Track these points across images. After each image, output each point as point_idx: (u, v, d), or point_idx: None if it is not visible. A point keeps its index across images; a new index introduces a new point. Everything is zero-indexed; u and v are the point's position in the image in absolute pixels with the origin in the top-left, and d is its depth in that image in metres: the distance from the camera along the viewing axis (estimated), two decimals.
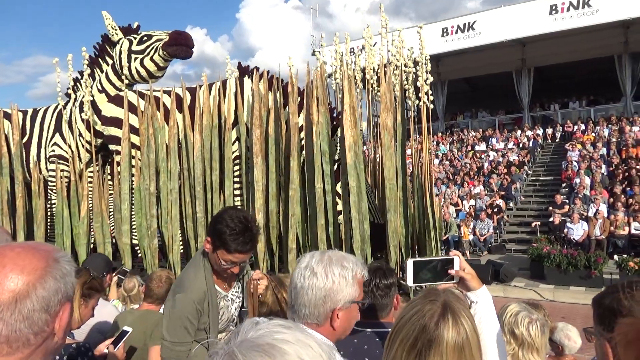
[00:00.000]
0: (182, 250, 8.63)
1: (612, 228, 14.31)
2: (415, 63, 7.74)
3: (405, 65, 7.85)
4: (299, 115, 8.00)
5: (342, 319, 1.74)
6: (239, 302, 2.93)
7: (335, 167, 7.75)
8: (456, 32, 25.61)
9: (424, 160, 7.82)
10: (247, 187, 8.26)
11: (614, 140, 21.45)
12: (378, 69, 8.54)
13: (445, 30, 25.68)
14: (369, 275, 2.18)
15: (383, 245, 7.70)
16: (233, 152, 8.33)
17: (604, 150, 20.72)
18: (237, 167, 8.31)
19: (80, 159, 9.59)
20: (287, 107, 8.16)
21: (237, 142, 8.34)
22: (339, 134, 7.86)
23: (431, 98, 7.61)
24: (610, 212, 15.13)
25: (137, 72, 9.10)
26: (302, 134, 7.97)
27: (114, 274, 4.71)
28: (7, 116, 10.08)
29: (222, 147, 8.36)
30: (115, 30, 9.42)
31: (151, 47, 9.03)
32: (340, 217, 7.64)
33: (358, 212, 7.22)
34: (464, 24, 25.39)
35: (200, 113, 8.27)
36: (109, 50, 9.57)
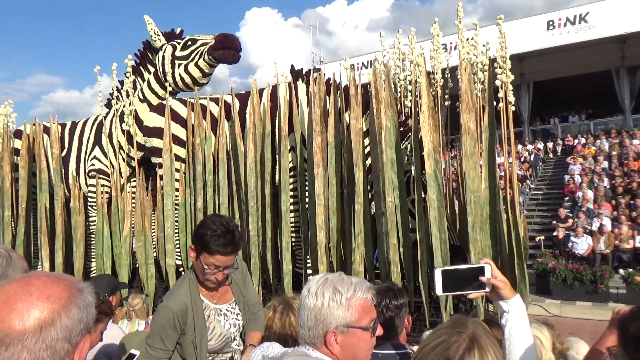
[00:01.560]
0: None
1: (616, 242, 13.07)
2: (492, 61, 5.93)
3: (482, 63, 6.03)
4: (364, 120, 6.22)
5: (342, 344, 1.55)
6: (240, 322, 2.66)
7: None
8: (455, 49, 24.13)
9: (505, 169, 5.97)
10: (302, 201, 6.48)
11: (615, 153, 19.87)
12: (446, 69, 6.73)
13: (445, 45, 24.20)
14: (379, 295, 2.11)
15: None
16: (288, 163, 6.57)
17: (605, 164, 19.18)
18: (292, 180, 6.53)
19: (121, 174, 7.88)
20: (347, 112, 6.39)
21: (291, 151, 6.57)
22: (410, 141, 6.07)
23: (512, 99, 5.79)
24: (615, 225, 13.76)
25: (181, 79, 7.37)
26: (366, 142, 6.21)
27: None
28: (47, 130, 8.42)
29: (275, 158, 6.59)
30: (158, 35, 7.71)
31: (196, 52, 7.31)
32: (411, 236, 5.85)
33: (439, 229, 5.40)
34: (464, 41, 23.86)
35: (252, 120, 6.50)
36: (151, 57, 7.88)
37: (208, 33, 7.50)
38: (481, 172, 5.43)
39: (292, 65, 6.97)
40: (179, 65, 7.33)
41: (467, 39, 6.06)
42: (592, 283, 9.05)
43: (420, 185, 5.64)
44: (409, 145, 6.00)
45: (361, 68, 26.44)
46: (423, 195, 5.74)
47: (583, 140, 23.20)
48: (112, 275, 6.39)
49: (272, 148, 6.59)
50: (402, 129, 6.03)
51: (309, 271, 6.46)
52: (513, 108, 5.79)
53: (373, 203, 6.14)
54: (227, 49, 7.02)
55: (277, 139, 6.59)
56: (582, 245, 13.15)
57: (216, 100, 7.16)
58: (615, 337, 2.00)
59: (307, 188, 6.42)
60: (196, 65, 7.26)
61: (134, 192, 7.88)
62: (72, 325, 1.04)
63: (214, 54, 7.08)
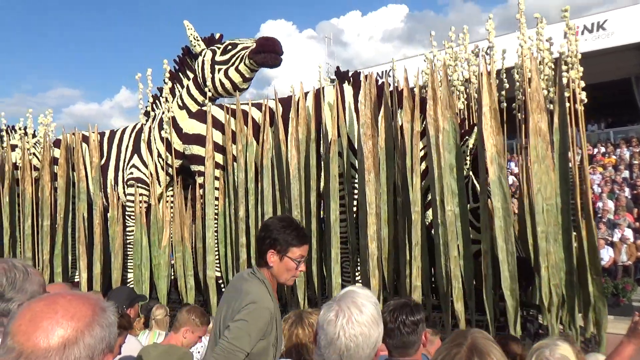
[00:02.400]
0: None
1: (639, 253, 11.77)
2: (558, 60, 5.10)
3: (546, 63, 5.21)
4: (421, 123, 5.43)
5: None
6: None
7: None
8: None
9: (575, 173, 5.11)
10: (350, 210, 5.70)
11: (636, 162, 18.59)
12: (501, 70, 5.92)
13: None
14: (396, 312, 2.01)
15: (529, 283, 5.05)
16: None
17: (626, 173, 17.87)
18: (340, 187, 5.76)
19: (159, 182, 7.21)
20: (399, 114, 5.62)
21: (338, 157, 5.81)
22: (470, 144, 5.27)
23: (583, 97, 4.95)
24: (637, 236, 12.57)
25: (221, 84, 6.69)
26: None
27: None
28: (85, 139, 7.82)
29: (321, 164, 5.84)
30: (198, 41, 7.07)
31: (236, 56, 6.63)
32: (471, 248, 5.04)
33: (506, 241, 4.57)
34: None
35: (295, 125, 5.76)
36: (190, 63, 7.23)
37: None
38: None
39: (337, 67, 6.25)
40: (219, 70, 6.66)
41: (529, 36, 5.23)
42: (614, 296, 8.06)
43: (485, 192, 4.82)
44: (467, 149, 5.20)
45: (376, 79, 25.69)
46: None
47: (603, 149, 21.93)
48: (131, 288, 5.77)
49: (316, 154, 5.84)
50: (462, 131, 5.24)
51: (358, 285, 5.66)
52: (581, 107, 4.95)
53: (428, 212, 5.33)
54: (268, 53, 6.33)
55: (321, 145, 5.85)
56: (603, 257, 12.14)
57: (257, 106, 6.46)
58: (633, 347, 2.00)
59: (355, 196, 5.65)
60: (237, 69, 6.58)
61: (172, 202, 7.23)
62: (94, 344, 1.01)
63: (255, 58, 6.39)
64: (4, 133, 8.64)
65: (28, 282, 1.60)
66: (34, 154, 8.33)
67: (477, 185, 5.21)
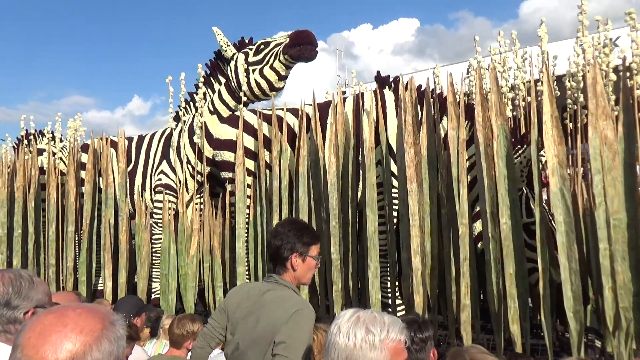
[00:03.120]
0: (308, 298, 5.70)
1: None
2: (621, 66, 4.68)
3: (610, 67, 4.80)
4: (468, 130, 5.05)
5: None
6: None
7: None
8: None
9: None
10: (390, 221, 5.31)
11: None
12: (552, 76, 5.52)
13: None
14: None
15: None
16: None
17: None
18: (378, 197, 5.37)
19: (187, 189, 6.91)
20: (442, 121, 5.25)
21: (378, 165, 5.44)
22: (526, 154, 4.87)
23: None
24: None
25: (257, 84, 6.38)
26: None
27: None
28: (113, 144, 7.57)
29: (359, 173, 5.47)
30: (229, 46, 6.80)
31: (270, 54, 6.33)
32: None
33: (569, 258, 4.14)
34: None
35: (334, 131, 5.42)
36: (222, 67, 6.95)
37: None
38: None
39: (378, 72, 5.89)
40: (254, 70, 6.36)
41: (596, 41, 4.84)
42: None
43: (540, 205, 4.40)
44: (524, 160, 4.80)
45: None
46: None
47: None
48: (138, 297, 5.48)
49: (355, 162, 5.48)
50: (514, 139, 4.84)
51: (398, 301, 5.26)
52: None
53: (476, 225, 4.92)
54: (303, 45, 6.00)
55: (359, 152, 5.48)
56: None
57: (292, 112, 6.13)
58: None
59: (395, 207, 5.26)
60: (271, 67, 6.28)
61: (201, 209, 6.92)
62: (102, 359, 0.99)
63: (290, 52, 6.07)
64: (31, 137, 8.44)
65: (33, 291, 1.63)
66: (60, 158, 8.13)
67: (531, 199, 4.79)
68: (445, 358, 2.32)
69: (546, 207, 4.92)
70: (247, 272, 5.99)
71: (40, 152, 8.21)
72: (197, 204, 7.16)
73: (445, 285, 4.90)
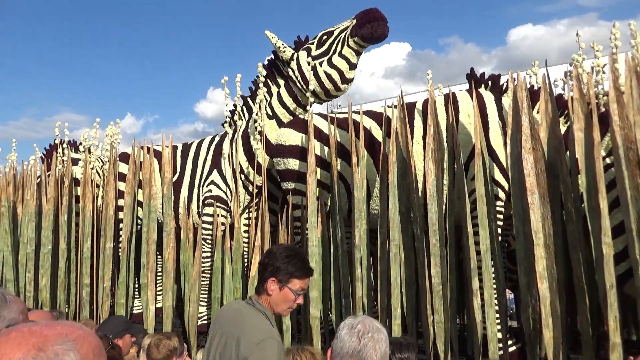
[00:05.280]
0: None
1: None
2: None
3: None
4: (603, 133, 4.14)
5: None
6: None
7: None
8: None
9: None
10: (495, 239, 4.35)
11: None
12: None
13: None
14: None
15: None
16: (473, 190, 4.52)
17: None
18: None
19: (241, 202, 6.00)
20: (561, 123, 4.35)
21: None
22: None
23: None
24: None
25: (328, 76, 5.53)
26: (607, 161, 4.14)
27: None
28: (156, 155, 6.67)
29: (458, 181, 4.54)
30: (286, 47, 5.97)
31: (336, 42, 5.51)
32: None
33: None
34: None
35: (433, 133, 4.50)
36: (281, 68, 6.10)
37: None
38: None
39: (471, 69, 5.02)
40: (321, 63, 5.54)
41: None
42: None
43: None
44: None
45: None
46: None
47: None
48: (126, 318, 4.86)
49: (451, 170, 4.57)
50: None
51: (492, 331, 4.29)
52: None
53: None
54: (374, 21, 5.17)
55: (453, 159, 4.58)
56: None
57: (370, 115, 5.26)
58: None
59: (499, 222, 4.33)
60: (340, 55, 5.47)
61: (260, 224, 6.02)
62: None
63: (361, 32, 5.27)
64: (65, 145, 7.56)
65: (6, 310, 1.56)
66: (93, 168, 7.23)
67: None
68: None
69: None
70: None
71: (74, 161, 7.32)
72: (247, 218, 6.25)
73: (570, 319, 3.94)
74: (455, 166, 4.57)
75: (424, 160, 4.50)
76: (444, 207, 4.36)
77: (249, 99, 6.33)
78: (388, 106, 5.15)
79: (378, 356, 1.63)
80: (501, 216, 4.50)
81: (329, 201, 5.29)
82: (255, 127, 5.78)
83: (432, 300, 4.23)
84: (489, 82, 4.90)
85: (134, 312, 6.69)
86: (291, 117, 5.96)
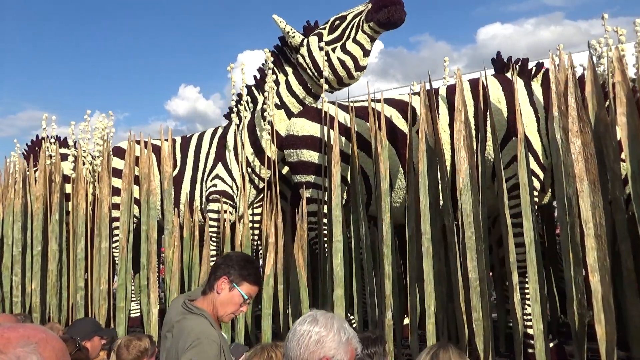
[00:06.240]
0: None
1: None
2: None
3: None
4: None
5: None
6: None
7: None
8: None
9: None
10: (537, 231, 4.03)
11: None
12: None
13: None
14: None
15: None
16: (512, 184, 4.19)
17: None
18: (515, 201, 4.11)
19: (247, 195, 5.57)
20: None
21: (514, 161, 4.20)
22: None
23: None
24: None
25: (342, 62, 5.16)
26: None
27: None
28: (154, 150, 6.13)
29: (496, 170, 4.21)
30: (295, 32, 5.55)
31: (349, 27, 5.15)
32: None
33: None
34: None
35: (464, 119, 4.15)
36: (289, 55, 5.68)
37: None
38: None
39: (498, 53, 4.70)
40: (334, 49, 5.16)
41: None
42: None
43: None
44: None
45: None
46: None
47: None
48: (96, 320, 4.42)
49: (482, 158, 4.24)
50: None
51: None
52: None
53: None
54: (391, 5, 4.82)
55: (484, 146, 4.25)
56: None
57: (389, 102, 4.89)
58: None
59: (532, 211, 4.02)
60: (354, 41, 5.12)
61: (253, 221, 5.62)
62: None
63: (377, 17, 4.93)
64: (52, 140, 6.96)
65: None
66: (83, 164, 6.65)
67: None
68: None
69: None
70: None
71: (64, 157, 6.74)
72: (255, 214, 5.82)
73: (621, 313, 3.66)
74: (489, 153, 4.24)
75: (453, 148, 4.15)
76: (479, 197, 4.01)
77: (253, 88, 5.88)
78: (412, 93, 4.79)
79: (302, 349, 1.50)
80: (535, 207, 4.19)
81: (344, 194, 4.90)
82: (265, 117, 5.34)
83: (466, 297, 3.88)
84: (518, 67, 4.58)
85: (131, 315, 6.18)
86: (301, 107, 5.55)
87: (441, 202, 4.22)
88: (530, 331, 3.95)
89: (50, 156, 6.77)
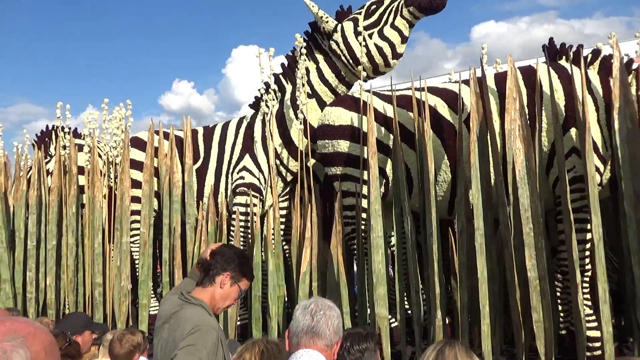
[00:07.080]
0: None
1: None
2: None
3: None
4: None
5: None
6: None
7: None
8: None
9: None
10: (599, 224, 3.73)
11: None
12: None
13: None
14: (345, 340, 2.01)
15: None
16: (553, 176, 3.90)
17: None
18: (575, 196, 3.82)
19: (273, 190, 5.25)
20: None
21: (573, 153, 3.92)
22: None
23: None
24: None
25: (379, 49, 4.87)
26: None
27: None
28: (177, 141, 5.79)
29: (559, 161, 3.91)
30: (328, 18, 5.23)
31: (387, 11, 4.86)
32: None
33: None
34: None
35: (520, 108, 3.84)
36: (320, 42, 5.36)
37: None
38: None
39: (550, 39, 4.39)
40: (371, 35, 4.86)
41: None
42: None
43: None
44: None
45: None
46: None
47: None
48: (87, 315, 4.32)
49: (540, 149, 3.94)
50: None
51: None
52: None
53: None
54: None
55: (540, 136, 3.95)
56: None
57: (432, 91, 4.57)
58: None
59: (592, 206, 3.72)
60: (392, 26, 4.82)
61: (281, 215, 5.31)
62: None
63: (418, 1, 4.65)
64: (67, 130, 6.60)
65: None
66: (99, 155, 6.31)
67: None
68: None
69: None
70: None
71: (79, 148, 6.39)
72: (282, 208, 5.51)
73: None
74: (544, 144, 3.95)
75: (504, 139, 3.85)
76: (537, 191, 3.71)
77: (281, 76, 5.55)
78: (454, 82, 4.48)
79: (331, 330, 1.71)
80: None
81: (382, 188, 4.59)
82: (296, 107, 5.02)
83: (523, 297, 3.59)
84: (572, 54, 4.27)
85: (150, 313, 5.85)
86: (333, 96, 5.22)
87: (494, 196, 3.92)
88: (589, 333, 3.67)
89: (64, 146, 6.42)
